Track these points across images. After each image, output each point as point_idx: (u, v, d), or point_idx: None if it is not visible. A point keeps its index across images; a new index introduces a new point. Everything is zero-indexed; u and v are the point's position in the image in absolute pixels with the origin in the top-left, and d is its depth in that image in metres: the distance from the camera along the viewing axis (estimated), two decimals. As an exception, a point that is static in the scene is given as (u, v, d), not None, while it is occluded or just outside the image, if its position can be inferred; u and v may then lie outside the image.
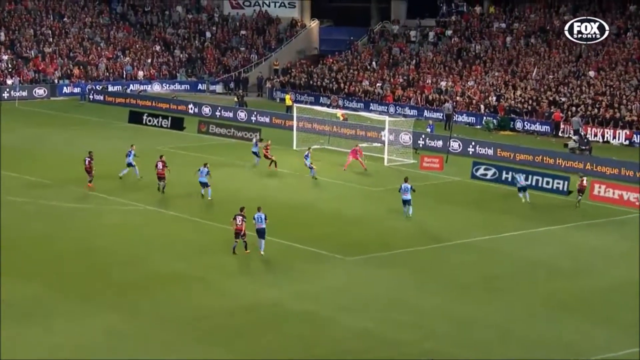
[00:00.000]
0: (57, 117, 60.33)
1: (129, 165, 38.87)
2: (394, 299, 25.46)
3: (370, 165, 44.62)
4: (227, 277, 27.14)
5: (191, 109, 60.65)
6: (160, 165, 36.85)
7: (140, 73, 74.57)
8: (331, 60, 71.59)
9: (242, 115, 58.75)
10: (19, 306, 24.06)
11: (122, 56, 76.13)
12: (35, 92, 68.96)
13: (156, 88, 73.61)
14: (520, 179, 37.75)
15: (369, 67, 69.14)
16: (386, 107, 62.43)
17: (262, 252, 28.87)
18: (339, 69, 69.50)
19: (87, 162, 37.72)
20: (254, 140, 44.46)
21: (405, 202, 34.08)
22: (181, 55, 78.24)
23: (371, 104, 63.32)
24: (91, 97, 67.82)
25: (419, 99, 62.42)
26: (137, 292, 25.41)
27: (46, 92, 69.28)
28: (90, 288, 25.71)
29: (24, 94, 67.72)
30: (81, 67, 72.72)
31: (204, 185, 36.11)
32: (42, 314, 23.64)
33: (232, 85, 74.13)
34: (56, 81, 70.86)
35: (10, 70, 70.38)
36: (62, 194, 36.93)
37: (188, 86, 75.02)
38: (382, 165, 44.67)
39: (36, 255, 28.95)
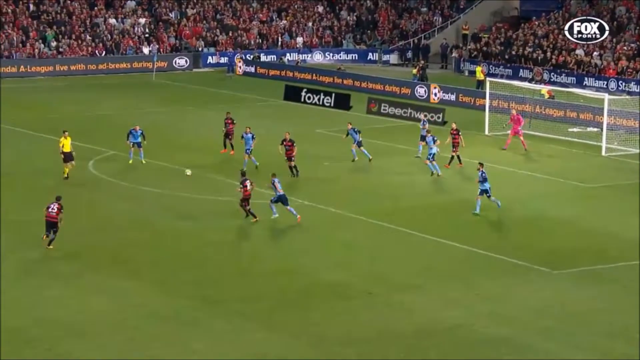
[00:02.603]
0: (200, 92, 62.10)
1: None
2: (610, 324, 24.78)
3: (585, 155, 43.89)
4: (397, 290, 27.09)
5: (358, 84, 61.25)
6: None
7: (299, 40, 75.75)
8: (536, 23, 70.44)
9: (421, 91, 58.63)
10: (161, 320, 24.89)
11: (277, 19, 77.57)
12: (175, 62, 71.38)
13: (317, 58, 74.57)
14: None
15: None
16: (605, 83, 61.08)
17: (299, 217, 32.74)
18: (545, 35, 68.25)
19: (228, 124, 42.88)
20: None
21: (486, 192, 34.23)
22: (348, 18, 78.87)
23: (586, 79, 62.29)
24: (240, 68, 69.51)
25: (648, 72, 60.65)
26: (292, 308, 25.77)
27: (188, 63, 71.57)
28: (240, 301, 26.17)
29: (164, 64, 70.18)
30: (229, 33, 74.63)
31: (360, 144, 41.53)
32: (185, 331, 24.22)
33: (409, 54, 74.09)
34: (200, 49, 73.03)
35: (147, 36, 73.01)
36: (203, 185, 37.96)
37: (356, 55, 75.63)
38: (599, 156, 43.72)
39: (183, 251, 29.93)
